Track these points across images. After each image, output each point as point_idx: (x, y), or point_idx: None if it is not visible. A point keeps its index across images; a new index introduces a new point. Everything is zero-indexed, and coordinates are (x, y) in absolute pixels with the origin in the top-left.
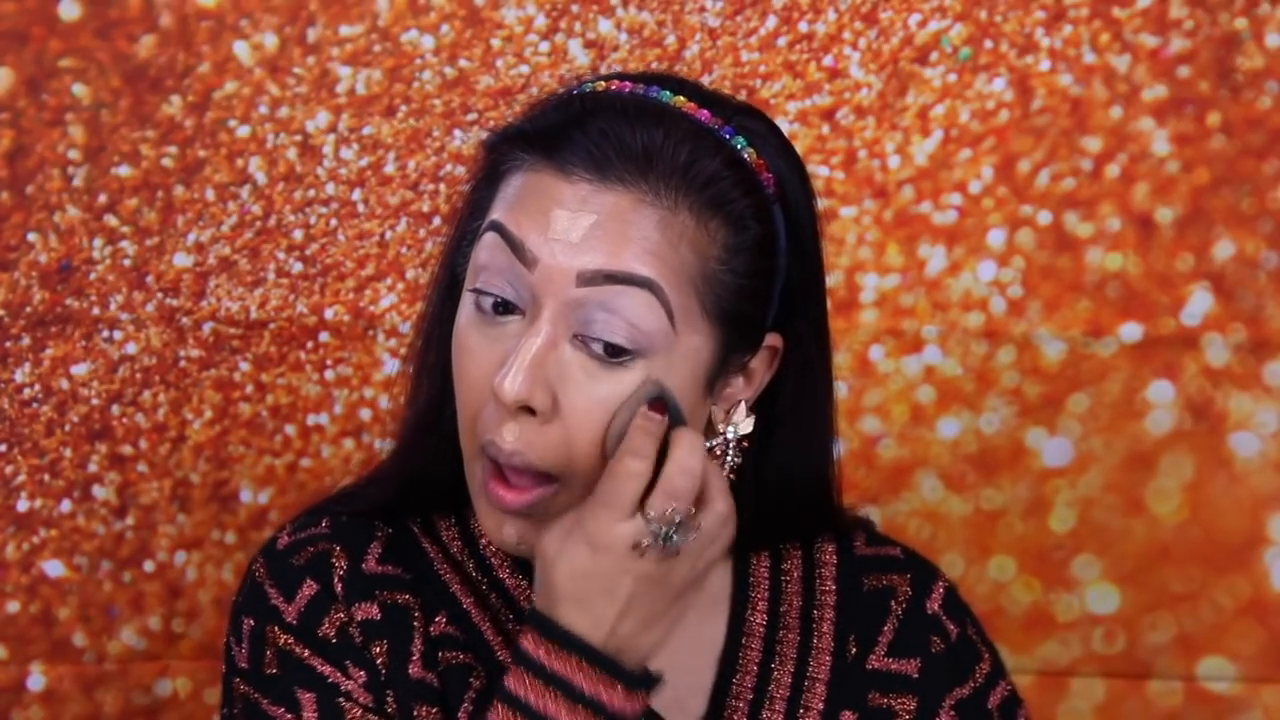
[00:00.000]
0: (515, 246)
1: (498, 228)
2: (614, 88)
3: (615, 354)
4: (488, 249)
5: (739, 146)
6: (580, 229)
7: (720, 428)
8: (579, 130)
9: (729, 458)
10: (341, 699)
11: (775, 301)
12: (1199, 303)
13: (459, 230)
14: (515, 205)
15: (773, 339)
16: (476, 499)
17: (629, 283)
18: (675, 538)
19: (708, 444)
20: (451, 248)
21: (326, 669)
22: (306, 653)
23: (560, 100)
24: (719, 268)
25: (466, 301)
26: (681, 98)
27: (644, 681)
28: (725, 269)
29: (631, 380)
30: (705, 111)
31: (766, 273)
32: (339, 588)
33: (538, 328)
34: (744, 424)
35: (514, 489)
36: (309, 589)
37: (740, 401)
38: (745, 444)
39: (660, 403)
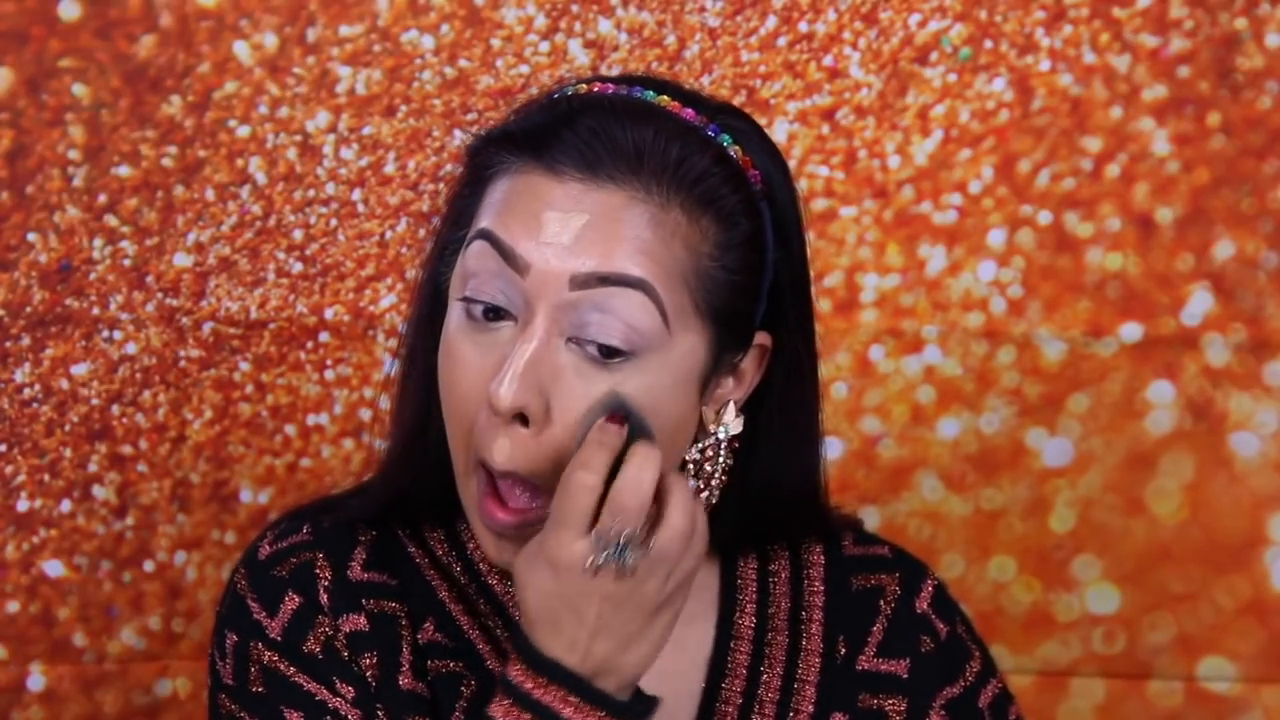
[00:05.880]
0: (506, 254)
1: (488, 235)
2: (597, 89)
3: (610, 355)
4: (476, 256)
5: (725, 144)
6: (572, 230)
7: (710, 428)
8: (568, 129)
9: (720, 458)
10: (329, 717)
11: (764, 299)
12: (1199, 303)
13: (441, 238)
14: (504, 210)
15: (762, 337)
16: (472, 517)
17: (622, 284)
18: (626, 557)
19: (698, 445)
20: (434, 256)
21: (313, 686)
22: (292, 670)
23: (545, 102)
24: (711, 264)
25: (455, 310)
26: (665, 97)
27: (635, 709)
28: (717, 265)
29: (626, 381)
30: (690, 110)
31: (756, 268)
32: (324, 599)
33: (531, 332)
34: (734, 424)
35: (507, 509)
36: (292, 603)
37: (730, 402)
38: (735, 445)
39: (620, 415)
